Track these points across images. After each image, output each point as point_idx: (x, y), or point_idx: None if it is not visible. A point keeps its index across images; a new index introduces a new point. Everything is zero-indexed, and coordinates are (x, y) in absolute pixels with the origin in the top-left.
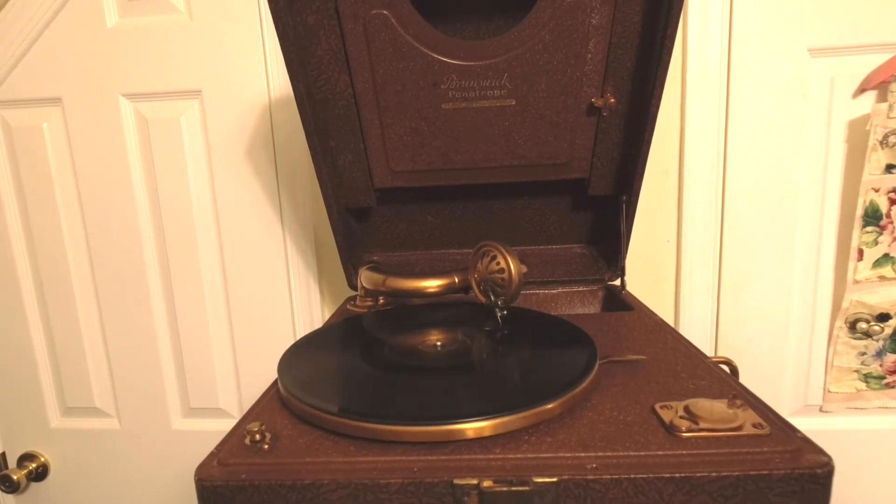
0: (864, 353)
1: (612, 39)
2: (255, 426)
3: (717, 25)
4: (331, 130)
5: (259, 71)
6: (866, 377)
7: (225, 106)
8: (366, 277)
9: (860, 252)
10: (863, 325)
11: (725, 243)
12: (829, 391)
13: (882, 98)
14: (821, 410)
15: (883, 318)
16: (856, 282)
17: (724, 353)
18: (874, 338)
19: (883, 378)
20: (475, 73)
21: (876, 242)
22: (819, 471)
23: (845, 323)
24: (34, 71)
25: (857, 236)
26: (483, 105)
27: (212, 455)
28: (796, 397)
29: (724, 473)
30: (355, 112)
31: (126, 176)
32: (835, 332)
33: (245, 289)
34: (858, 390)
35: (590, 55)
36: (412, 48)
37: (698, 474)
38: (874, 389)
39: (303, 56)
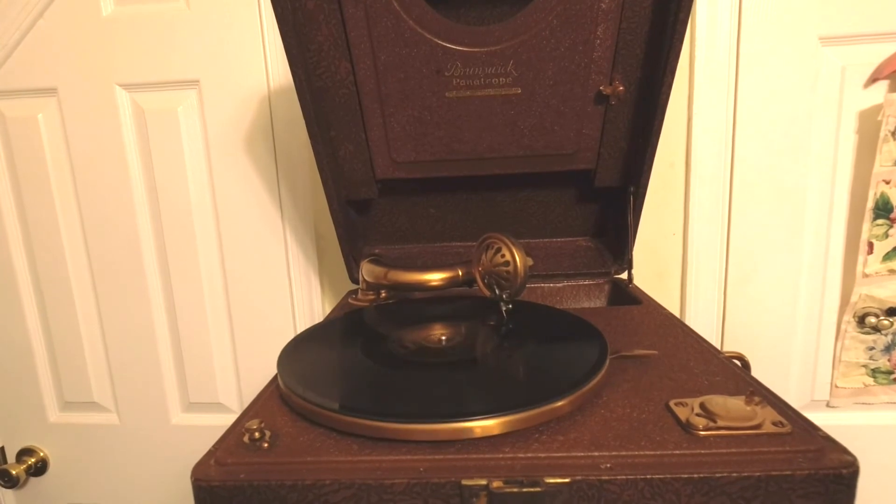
0: (872, 348)
1: (622, 25)
2: (253, 424)
3: (726, 13)
4: (331, 120)
5: (258, 60)
6: (874, 372)
7: (223, 96)
8: (367, 270)
9: (870, 245)
10: (871, 320)
11: (732, 236)
12: (837, 386)
13: (895, 88)
14: (827, 405)
15: (892, 312)
16: (865, 275)
17: (730, 347)
18: (883, 332)
19: (891, 373)
20: (480, 59)
21: (886, 235)
22: (844, 471)
23: (854, 317)
24: (29, 61)
25: (867, 229)
26: (488, 93)
27: (209, 454)
28: (803, 392)
29: (745, 474)
30: (356, 100)
31: (123, 167)
32: (843, 327)
33: (244, 282)
34: (866, 385)
35: (598, 41)
36: (415, 34)
37: (718, 475)
38: (882, 384)
39: (302, 42)
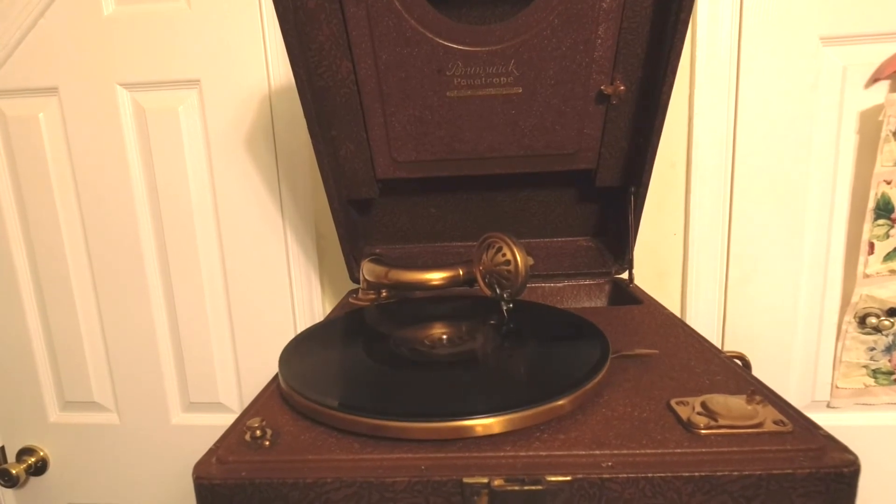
0: (873, 349)
1: (623, 24)
2: (255, 422)
3: (726, 13)
4: (332, 119)
5: (259, 60)
6: (875, 373)
7: (224, 96)
8: (368, 270)
9: (871, 245)
10: (872, 320)
11: (733, 236)
12: (837, 387)
13: None
14: (828, 406)
15: (893, 312)
16: (866, 276)
17: (730, 347)
18: (884, 333)
19: (892, 374)
20: (481, 59)
21: (887, 236)
22: (845, 470)
23: (854, 318)
24: (30, 60)
25: (868, 229)
26: (489, 93)
27: (210, 452)
28: (803, 392)
29: (747, 472)
30: (357, 100)
31: (124, 167)
32: (843, 327)
33: (245, 282)
34: (867, 386)
35: (599, 40)
36: (416, 33)
37: (719, 473)
38: (882, 385)
39: (303, 41)
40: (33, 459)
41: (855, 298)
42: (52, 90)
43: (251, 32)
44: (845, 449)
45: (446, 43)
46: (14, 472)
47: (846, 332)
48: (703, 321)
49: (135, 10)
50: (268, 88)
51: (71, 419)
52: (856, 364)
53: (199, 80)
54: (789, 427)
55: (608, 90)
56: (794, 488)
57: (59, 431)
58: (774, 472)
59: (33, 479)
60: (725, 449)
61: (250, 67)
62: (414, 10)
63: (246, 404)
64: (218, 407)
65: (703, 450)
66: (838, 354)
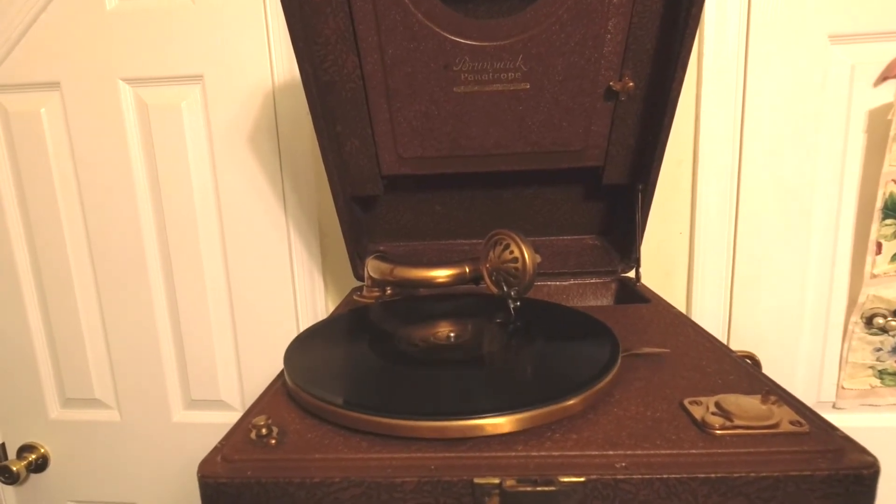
0: (879, 349)
1: (633, 19)
2: (260, 420)
3: (734, 10)
4: (337, 115)
5: (262, 55)
6: (881, 374)
7: (227, 91)
8: (373, 267)
9: (878, 245)
10: (879, 321)
11: (739, 235)
12: (843, 387)
13: None
14: (834, 407)
15: None
16: (873, 276)
17: (736, 346)
18: (890, 333)
19: None
20: (489, 54)
21: (895, 236)
22: (865, 472)
23: (861, 318)
24: (32, 54)
25: (876, 229)
26: (496, 88)
27: (215, 450)
28: (809, 393)
29: (764, 474)
30: (363, 95)
31: (126, 163)
32: (850, 328)
33: (247, 279)
34: (873, 387)
35: (609, 36)
36: (423, 27)
37: (735, 474)
38: (889, 386)
39: (309, 35)
40: (34, 456)
41: (862, 299)
42: (54, 85)
43: (255, 27)
44: (864, 450)
45: (453, 38)
46: (15, 469)
47: (852, 332)
48: (708, 320)
49: (137, 5)
50: (271, 84)
51: (72, 416)
52: (862, 365)
53: (202, 76)
54: (806, 428)
55: (617, 86)
56: (812, 490)
57: (60, 428)
58: (792, 473)
59: (34, 477)
60: (741, 450)
61: (254, 62)
62: (421, 4)
63: (248, 402)
64: (219, 405)
65: (719, 450)
66: (844, 355)
